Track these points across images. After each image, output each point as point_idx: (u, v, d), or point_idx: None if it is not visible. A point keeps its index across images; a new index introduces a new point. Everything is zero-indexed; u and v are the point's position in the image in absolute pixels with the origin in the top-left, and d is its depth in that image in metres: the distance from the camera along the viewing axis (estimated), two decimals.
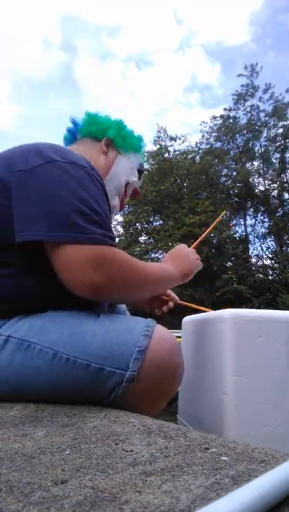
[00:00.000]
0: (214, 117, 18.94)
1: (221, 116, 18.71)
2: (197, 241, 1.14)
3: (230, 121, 18.44)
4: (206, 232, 1.22)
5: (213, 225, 1.27)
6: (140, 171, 1.05)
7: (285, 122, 17.24)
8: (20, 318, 0.66)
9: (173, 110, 34.65)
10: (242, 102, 18.10)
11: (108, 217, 0.72)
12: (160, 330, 0.64)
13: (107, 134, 0.96)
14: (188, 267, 0.89)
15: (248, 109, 18.09)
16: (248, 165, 18.63)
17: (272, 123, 17.77)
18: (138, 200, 17.31)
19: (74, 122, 1.00)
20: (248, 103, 18.06)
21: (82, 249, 0.62)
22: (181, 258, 0.90)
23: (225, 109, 18.74)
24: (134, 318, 0.67)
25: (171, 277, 0.82)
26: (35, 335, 0.62)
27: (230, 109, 18.46)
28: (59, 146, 0.74)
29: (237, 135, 18.49)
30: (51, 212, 0.63)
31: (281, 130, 17.41)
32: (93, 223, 0.64)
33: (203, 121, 19.17)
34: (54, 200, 0.64)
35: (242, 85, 17.97)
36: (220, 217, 1.12)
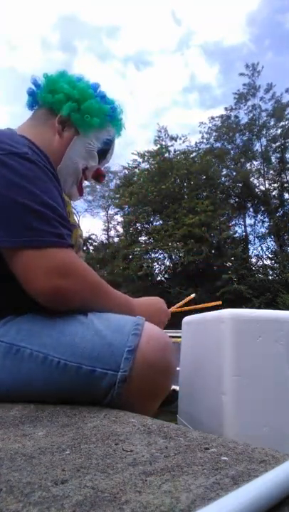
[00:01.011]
0: (212, 118, 18.95)
1: (221, 117, 18.71)
2: (180, 304, 1.06)
3: (230, 120, 18.43)
4: (193, 307, 1.11)
5: (203, 305, 1.12)
6: (105, 151, 0.89)
7: (284, 122, 17.26)
8: (7, 322, 0.65)
9: (172, 110, 34.79)
10: (243, 101, 18.10)
11: (63, 207, 0.66)
12: (150, 327, 0.63)
13: (63, 109, 0.80)
14: (151, 320, 0.74)
15: (250, 108, 18.11)
16: (248, 165, 18.64)
17: (272, 123, 17.80)
18: (138, 200, 17.30)
19: (35, 83, 0.84)
20: (249, 102, 18.08)
21: (41, 254, 0.59)
22: (151, 310, 0.80)
23: (226, 108, 18.76)
24: (123, 316, 0.65)
25: (130, 311, 0.70)
26: (24, 338, 0.61)
27: (231, 109, 18.47)
28: None
29: (237, 134, 18.49)
30: (1, 216, 0.59)
31: (280, 130, 17.42)
32: (48, 221, 0.60)
33: (202, 122, 19.21)
34: (1, 202, 0.59)
35: (244, 84, 17.97)
36: (214, 303, 1.06)
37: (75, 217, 1.00)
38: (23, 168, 0.61)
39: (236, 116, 18.44)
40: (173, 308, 1.01)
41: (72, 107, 0.81)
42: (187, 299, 1.06)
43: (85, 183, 0.94)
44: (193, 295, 1.04)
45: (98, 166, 0.90)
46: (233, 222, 18.71)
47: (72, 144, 0.82)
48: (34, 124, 0.83)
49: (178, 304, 1.09)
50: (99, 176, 0.92)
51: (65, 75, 0.85)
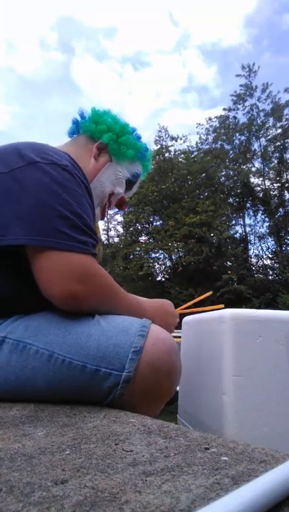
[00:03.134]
0: (210, 119, 18.96)
1: (221, 117, 18.70)
2: (185, 306, 1.09)
3: (228, 121, 18.44)
4: (194, 301, 1.15)
5: (206, 308, 1.14)
6: (131, 182, 0.98)
7: (283, 122, 17.25)
8: (17, 319, 0.66)
9: (170, 111, 34.87)
10: (241, 102, 18.11)
11: (92, 219, 0.70)
12: (156, 330, 0.64)
13: (104, 137, 0.90)
14: (162, 323, 0.78)
15: (247, 108, 18.10)
16: (248, 165, 18.64)
17: (271, 123, 17.80)
18: (138, 200, 17.32)
19: (81, 115, 0.96)
20: (247, 103, 18.08)
21: (64, 257, 0.61)
22: (162, 312, 0.83)
23: (224, 109, 18.77)
24: (129, 318, 0.66)
25: (142, 315, 0.72)
26: (31, 336, 0.62)
27: (229, 109, 18.48)
28: (40, 145, 0.72)
29: (237, 134, 18.49)
30: (32, 216, 0.62)
31: (280, 130, 17.42)
32: (75, 229, 0.63)
33: (200, 124, 19.22)
34: (35, 204, 0.62)
35: (240, 85, 17.98)
36: (216, 306, 1.08)
37: (100, 233, 1.04)
38: (62, 177, 0.65)
39: (234, 117, 18.47)
40: (179, 309, 1.02)
41: (112, 137, 0.91)
42: (204, 296, 1.06)
43: None
44: (210, 292, 1.06)
45: (123, 195, 0.97)
46: (233, 222, 18.74)
47: (104, 168, 0.90)
48: (74, 146, 0.91)
49: (189, 303, 1.11)
50: (122, 204, 0.99)
51: (109, 112, 0.97)
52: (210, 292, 1.08)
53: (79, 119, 0.96)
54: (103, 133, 0.90)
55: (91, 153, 0.89)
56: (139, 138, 0.97)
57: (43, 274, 0.62)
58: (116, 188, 0.93)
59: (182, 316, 1.14)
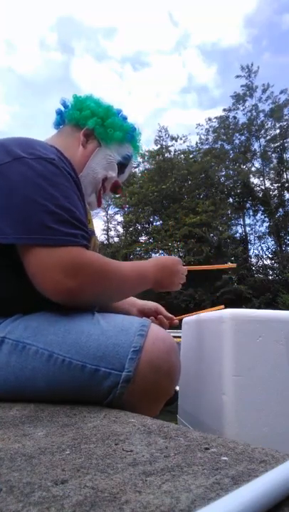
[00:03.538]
0: (210, 119, 18.99)
1: (221, 117, 18.72)
2: (195, 267, 1.11)
3: (228, 121, 18.45)
4: (207, 267, 1.17)
5: (217, 266, 1.22)
6: (123, 165, 0.95)
7: (282, 123, 17.27)
8: (16, 319, 0.66)
9: (170, 111, 34.92)
10: (241, 102, 18.12)
11: (82, 212, 0.69)
12: (155, 329, 0.64)
13: (89, 122, 0.88)
14: (166, 282, 0.83)
15: (248, 109, 18.12)
16: (248, 165, 18.64)
17: (270, 123, 17.82)
18: (138, 200, 17.32)
19: (64, 104, 0.94)
20: (247, 103, 18.10)
21: (53, 253, 0.61)
22: (167, 271, 0.84)
23: (224, 109, 18.81)
24: (128, 317, 0.66)
25: (144, 281, 0.78)
26: (31, 336, 0.62)
27: (229, 110, 18.50)
28: (26, 140, 0.71)
29: (237, 134, 18.51)
30: (19, 213, 0.61)
31: (278, 131, 17.44)
32: (63, 223, 0.62)
33: (199, 124, 19.27)
34: (21, 200, 0.62)
35: (242, 86, 18.02)
36: (227, 265, 1.08)
37: (93, 225, 1.03)
38: (47, 171, 0.65)
39: (234, 117, 18.49)
40: (190, 267, 0.99)
41: (97, 122, 0.88)
42: (216, 308, 1.06)
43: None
44: (222, 306, 1.06)
45: (117, 179, 0.95)
46: (233, 222, 18.75)
47: (94, 154, 0.88)
48: (61, 137, 0.90)
49: (199, 267, 1.15)
50: (117, 188, 0.97)
51: (91, 96, 0.95)
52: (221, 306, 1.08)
53: (62, 109, 0.94)
54: (88, 118, 0.88)
55: (79, 141, 0.87)
56: (125, 119, 0.95)
57: (34, 271, 0.62)
58: (108, 173, 0.91)
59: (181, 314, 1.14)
